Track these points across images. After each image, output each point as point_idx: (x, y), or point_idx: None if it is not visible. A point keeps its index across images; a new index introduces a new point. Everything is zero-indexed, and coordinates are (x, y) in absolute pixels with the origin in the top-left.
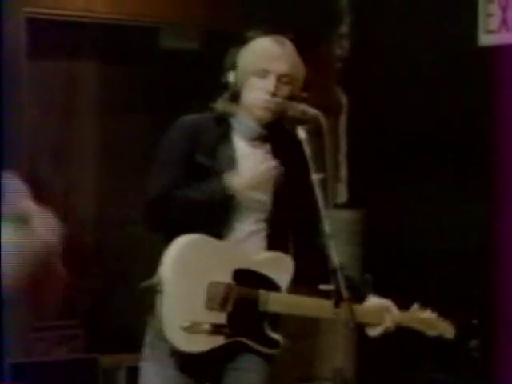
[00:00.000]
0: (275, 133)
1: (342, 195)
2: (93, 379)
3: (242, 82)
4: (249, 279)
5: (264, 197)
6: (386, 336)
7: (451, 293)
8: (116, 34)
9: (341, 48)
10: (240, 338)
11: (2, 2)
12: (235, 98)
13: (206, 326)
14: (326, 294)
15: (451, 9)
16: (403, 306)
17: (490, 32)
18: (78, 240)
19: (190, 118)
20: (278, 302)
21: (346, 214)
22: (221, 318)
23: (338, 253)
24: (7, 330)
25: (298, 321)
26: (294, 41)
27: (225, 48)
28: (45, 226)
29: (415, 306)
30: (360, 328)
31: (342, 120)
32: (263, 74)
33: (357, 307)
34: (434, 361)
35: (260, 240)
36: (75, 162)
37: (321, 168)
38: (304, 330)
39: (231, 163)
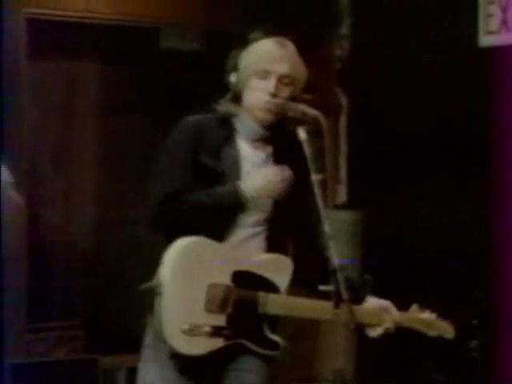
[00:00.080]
0: (277, 134)
1: (342, 196)
2: (93, 380)
3: (244, 83)
4: (248, 281)
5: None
6: (386, 337)
7: (451, 293)
8: (116, 35)
9: (341, 49)
10: (239, 340)
11: (2, 2)
12: (237, 99)
13: (206, 329)
14: (325, 295)
15: (451, 9)
16: (403, 306)
17: (490, 33)
18: (78, 240)
19: (193, 119)
20: (277, 303)
21: (345, 215)
22: (220, 320)
23: (338, 253)
24: (7, 330)
25: (297, 322)
26: (295, 42)
27: (225, 48)
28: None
29: (414, 307)
30: (360, 329)
31: (342, 120)
32: (264, 74)
33: (356, 308)
34: (434, 361)
35: (259, 242)
36: (75, 163)
37: (321, 168)
38: (304, 331)
39: (235, 165)
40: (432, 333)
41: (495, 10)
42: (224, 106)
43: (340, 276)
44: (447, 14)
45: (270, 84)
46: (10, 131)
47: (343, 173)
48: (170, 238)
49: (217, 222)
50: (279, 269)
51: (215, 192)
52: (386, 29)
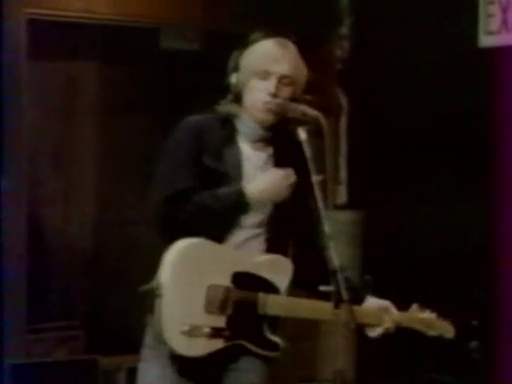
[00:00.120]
0: (277, 135)
1: (342, 196)
2: (93, 380)
3: (244, 83)
4: (248, 282)
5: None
6: (386, 337)
7: (451, 293)
8: (116, 35)
9: (341, 49)
10: (239, 341)
11: (2, 2)
12: (238, 99)
13: (206, 330)
14: (325, 296)
15: (451, 9)
16: (403, 306)
17: (490, 33)
18: (78, 240)
19: (194, 119)
20: (277, 304)
21: (345, 215)
22: (220, 321)
23: (338, 254)
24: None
25: (297, 323)
26: (296, 43)
27: (225, 49)
28: None
29: (414, 307)
30: (360, 329)
31: (343, 121)
32: (264, 75)
33: (356, 308)
34: (434, 361)
35: (260, 243)
36: (75, 163)
37: (321, 169)
38: (304, 331)
39: (237, 165)
40: (432, 333)
41: (495, 10)
42: (225, 107)
43: (340, 276)
44: (447, 14)
45: (271, 84)
46: (10, 131)
47: (343, 173)
48: (170, 239)
49: (219, 223)
50: (279, 270)
51: (219, 193)
52: (386, 29)
